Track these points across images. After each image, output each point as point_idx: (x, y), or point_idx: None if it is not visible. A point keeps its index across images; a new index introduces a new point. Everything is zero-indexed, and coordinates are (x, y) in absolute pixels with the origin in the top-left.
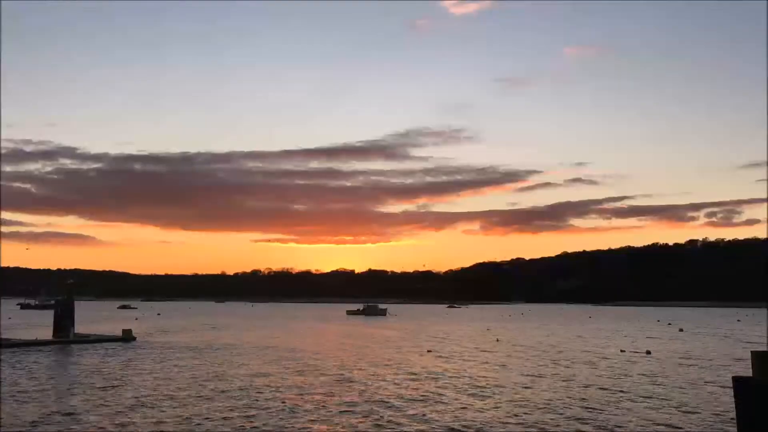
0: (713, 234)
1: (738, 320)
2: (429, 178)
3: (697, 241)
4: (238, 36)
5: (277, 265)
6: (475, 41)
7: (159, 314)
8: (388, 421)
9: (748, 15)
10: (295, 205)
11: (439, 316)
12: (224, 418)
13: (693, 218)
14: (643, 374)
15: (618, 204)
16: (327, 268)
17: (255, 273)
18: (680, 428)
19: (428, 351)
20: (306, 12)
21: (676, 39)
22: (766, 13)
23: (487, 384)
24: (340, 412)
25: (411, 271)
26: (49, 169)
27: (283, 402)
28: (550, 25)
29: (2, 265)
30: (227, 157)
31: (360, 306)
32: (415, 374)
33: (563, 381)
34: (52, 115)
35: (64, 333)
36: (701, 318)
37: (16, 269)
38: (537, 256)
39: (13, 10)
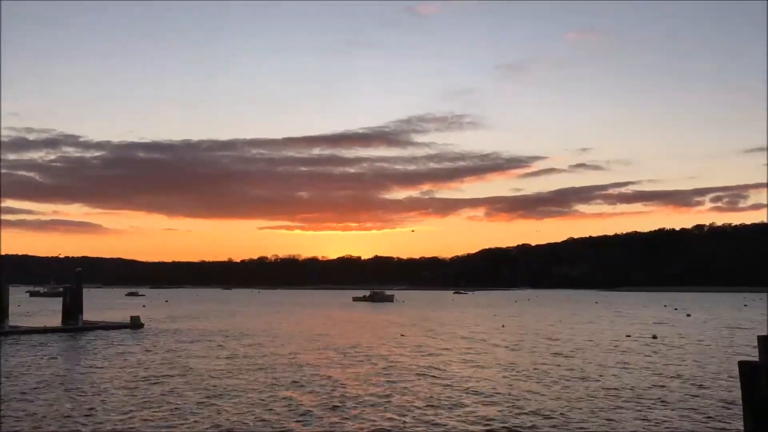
0: (719, 219)
1: (745, 305)
2: (432, 165)
3: (703, 226)
4: (239, 22)
5: (283, 252)
6: (476, 26)
7: (167, 301)
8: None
9: None
10: (299, 192)
11: (446, 302)
12: (232, 405)
13: (699, 203)
14: (648, 358)
15: (623, 189)
16: (333, 255)
17: (262, 260)
18: (685, 412)
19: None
20: None
21: (679, 22)
22: None
23: (505, 366)
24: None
25: (417, 257)
26: (52, 157)
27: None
28: (551, 10)
29: (12, 253)
30: (230, 144)
31: (366, 292)
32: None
33: (566, 367)
34: (54, 103)
35: (72, 320)
36: (708, 303)
37: (24, 257)
38: (542, 242)
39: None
